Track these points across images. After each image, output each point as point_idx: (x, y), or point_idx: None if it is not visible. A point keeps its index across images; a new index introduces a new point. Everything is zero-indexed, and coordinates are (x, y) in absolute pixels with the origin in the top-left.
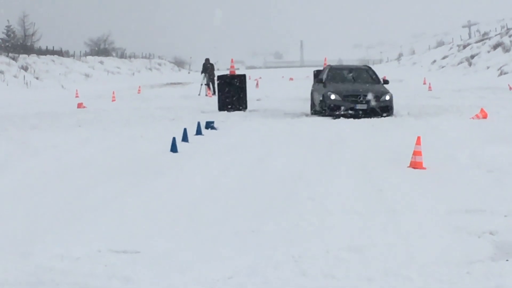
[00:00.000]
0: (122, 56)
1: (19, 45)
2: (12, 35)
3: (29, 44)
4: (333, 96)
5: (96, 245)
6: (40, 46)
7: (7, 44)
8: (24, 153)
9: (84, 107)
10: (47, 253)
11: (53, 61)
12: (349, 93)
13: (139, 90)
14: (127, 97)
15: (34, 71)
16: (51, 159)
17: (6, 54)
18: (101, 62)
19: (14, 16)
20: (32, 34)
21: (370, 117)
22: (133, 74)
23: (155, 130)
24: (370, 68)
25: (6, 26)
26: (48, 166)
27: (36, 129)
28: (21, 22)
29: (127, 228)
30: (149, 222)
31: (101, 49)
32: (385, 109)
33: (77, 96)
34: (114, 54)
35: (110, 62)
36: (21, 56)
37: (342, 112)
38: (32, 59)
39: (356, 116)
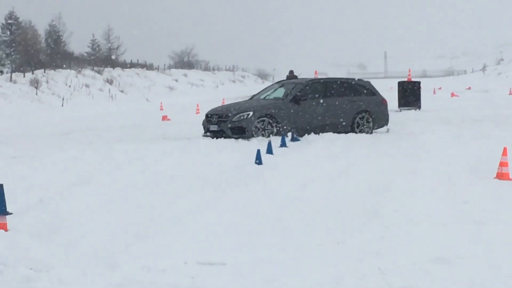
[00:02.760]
0: (206, 68)
1: (104, 58)
2: (97, 48)
3: (114, 57)
4: (204, 117)
5: (182, 257)
6: (124, 60)
7: (92, 57)
8: (109, 166)
9: (168, 119)
10: (133, 265)
11: (137, 74)
12: (211, 113)
13: (223, 102)
14: None
15: (119, 84)
16: (136, 171)
17: (92, 67)
18: (185, 75)
19: (99, 30)
20: (117, 48)
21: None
22: (217, 86)
23: (240, 142)
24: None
25: (91, 40)
26: (133, 179)
27: (121, 142)
28: (106, 36)
29: (212, 240)
30: (234, 234)
31: (185, 62)
32: (238, 130)
33: (161, 109)
34: (197, 67)
35: (194, 74)
36: (106, 69)
37: (203, 135)
38: (117, 72)
39: (218, 137)
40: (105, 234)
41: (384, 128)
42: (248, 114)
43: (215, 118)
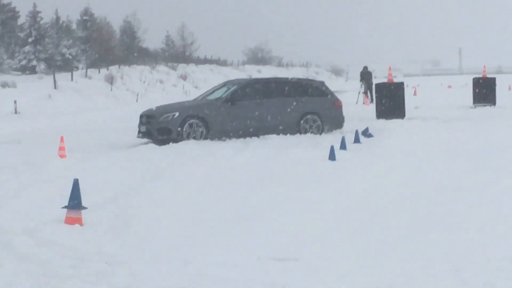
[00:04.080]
0: (280, 64)
1: (178, 54)
2: (171, 44)
3: (188, 53)
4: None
5: (255, 253)
6: (198, 56)
7: (166, 53)
8: (183, 161)
9: None
10: (206, 260)
11: (211, 70)
12: (143, 113)
13: None
14: None
15: (193, 80)
16: (209, 167)
17: (166, 63)
18: (259, 71)
19: (173, 27)
20: (191, 44)
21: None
22: None
23: (314, 138)
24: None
25: (165, 36)
26: (206, 174)
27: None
28: (180, 32)
29: (285, 236)
30: (307, 230)
31: (258, 58)
32: (164, 132)
33: None
34: (271, 63)
35: (268, 70)
36: (180, 65)
37: (137, 136)
38: (191, 68)
39: (150, 139)
40: (178, 229)
41: (464, 121)
42: (174, 115)
43: (145, 119)
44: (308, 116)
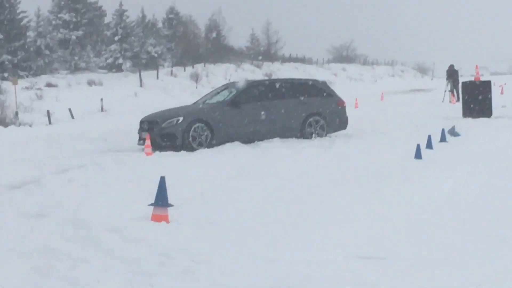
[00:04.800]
0: (365, 63)
1: (263, 52)
2: (256, 43)
3: (272, 51)
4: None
5: (342, 251)
6: (283, 54)
7: (251, 52)
8: (268, 159)
9: None
10: (293, 258)
11: (296, 68)
12: (144, 119)
13: (381, 96)
14: (370, 103)
15: (278, 78)
16: (295, 165)
17: (251, 62)
18: (344, 69)
19: (258, 25)
20: (276, 42)
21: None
22: (376, 80)
23: (399, 136)
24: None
25: (250, 34)
26: (292, 172)
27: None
28: (265, 30)
29: (372, 234)
30: (394, 228)
31: (343, 56)
32: (169, 138)
33: None
34: (356, 61)
35: (353, 69)
36: (265, 63)
37: (138, 143)
38: (275, 66)
39: (155, 147)
40: (264, 227)
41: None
42: (178, 120)
43: (146, 125)
44: (313, 118)
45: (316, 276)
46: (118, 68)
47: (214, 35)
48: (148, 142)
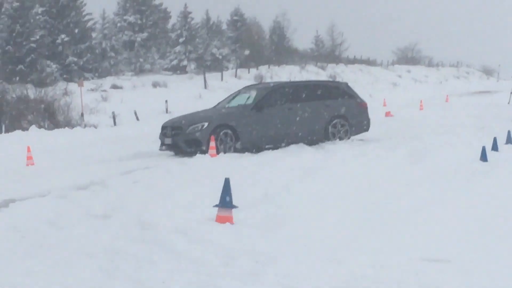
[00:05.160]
0: (430, 64)
1: (327, 54)
2: (320, 44)
3: (337, 53)
4: (160, 130)
5: (407, 254)
6: (348, 56)
7: (316, 53)
8: (333, 161)
9: (391, 115)
10: (358, 260)
11: (360, 70)
12: (166, 124)
13: (447, 98)
14: (435, 105)
15: (342, 80)
16: (360, 167)
17: (315, 63)
18: (409, 71)
19: (323, 26)
20: (340, 44)
21: (184, 154)
22: (441, 82)
23: (464, 138)
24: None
25: (315, 36)
26: (357, 174)
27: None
28: (329, 32)
29: (437, 237)
30: (459, 231)
31: (408, 58)
32: (193, 143)
33: (384, 105)
34: (421, 63)
35: (418, 70)
36: (330, 65)
37: (160, 149)
38: (340, 68)
39: (176, 152)
40: (329, 229)
41: None
42: (203, 125)
43: (170, 131)
44: (337, 120)
45: (381, 278)
46: (182, 70)
47: (278, 37)
48: (212, 143)
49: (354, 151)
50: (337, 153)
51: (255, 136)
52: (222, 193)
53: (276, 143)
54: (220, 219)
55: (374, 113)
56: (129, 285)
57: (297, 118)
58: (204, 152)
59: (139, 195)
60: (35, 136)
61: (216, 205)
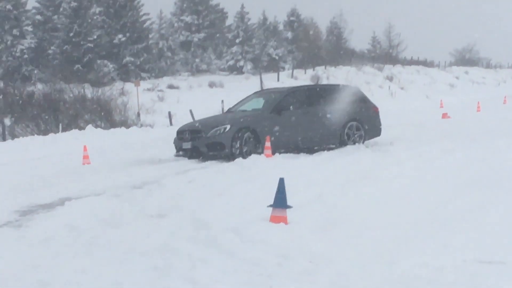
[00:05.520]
0: (488, 66)
1: (384, 55)
2: (378, 45)
3: (394, 54)
4: (176, 135)
5: (461, 255)
6: (405, 57)
7: (373, 54)
8: (388, 162)
9: (448, 117)
10: (412, 261)
11: (417, 71)
12: (183, 129)
13: (504, 100)
14: (493, 107)
15: (399, 81)
16: (415, 168)
17: (372, 64)
18: (466, 72)
19: (380, 27)
20: (397, 45)
21: (206, 159)
22: (498, 84)
23: None
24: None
25: (372, 37)
26: (412, 175)
27: (401, 139)
28: (387, 33)
29: (491, 238)
30: None
31: (466, 59)
32: (216, 147)
33: (441, 106)
34: (479, 64)
35: (475, 72)
36: (386, 66)
37: (176, 154)
38: (397, 69)
39: (192, 157)
40: (383, 230)
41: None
42: (225, 128)
43: (188, 135)
44: (352, 123)
45: (435, 279)
46: (239, 70)
47: (335, 37)
48: (268, 144)
49: (410, 152)
50: (393, 154)
51: (276, 140)
52: (276, 193)
53: (295, 146)
54: (274, 219)
55: (431, 114)
56: (183, 284)
57: (314, 122)
58: (227, 155)
59: (194, 194)
60: (91, 135)
61: (271, 205)
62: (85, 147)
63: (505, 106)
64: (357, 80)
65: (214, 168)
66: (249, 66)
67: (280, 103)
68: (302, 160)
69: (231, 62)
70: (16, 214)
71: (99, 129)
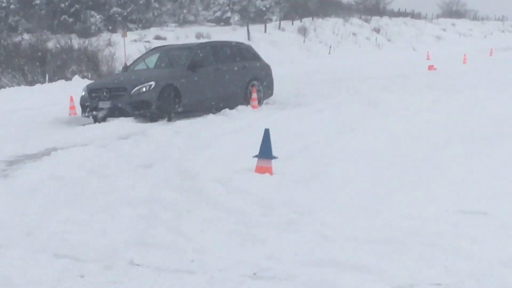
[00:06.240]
0: (475, 18)
1: (371, 7)
2: None
3: (381, 6)
4: (83, 93)
5: (444, 206)
6: (392, 8)
7: (360, 6)
8: (374, 114)
9: (435, 69)
10: (395, 212)
11: (405, 23)
12: (98, 86)
13: (491, 52)
14: (479, 59)
15: (386, 33)
16: (401, 120)
17: (359, 16)
18: (453, 24)
19: None
20: None
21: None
22: (485, 36)
23: (508, 94)
24: (190, 48)
25: None
26: (398, 127)
27: (387, 91)
28: None
29: (475, 190)
30: (497, 184)
31: (453, 11)
32: (140, 105)
33: (428, 59)
34: (466, 16)
35: (462, 24)
36: (374, 18)
37: (86, 114)
38: (384, 21)
39: (103, 118)
40: (367, 181)
41: None
42: (150, 86)
43: (106, 93)
44: (253, 83)
45: (417, 229)
46: (226, 22)
47: None
48: (254, 95)
49: (396, 105)
50: (379, 106)
51: (192, 98)
52: (261, 144)
53: (208, 105)
54: (260, 170)
55: (417, 66)
56: (168, 233)
57: (224, 80)
58: (153, 114)
59: (180, 144)
60: (78, 86)
61: (256, 156)
62: (71, 97)
63: (491, 58)
64: (343, 32)
65: (200, 119)
66: (236, 17)
67: (194, 59)
68: (289, 112)
69: (218, 13)
70: (3, 164)
71: (86, 79)
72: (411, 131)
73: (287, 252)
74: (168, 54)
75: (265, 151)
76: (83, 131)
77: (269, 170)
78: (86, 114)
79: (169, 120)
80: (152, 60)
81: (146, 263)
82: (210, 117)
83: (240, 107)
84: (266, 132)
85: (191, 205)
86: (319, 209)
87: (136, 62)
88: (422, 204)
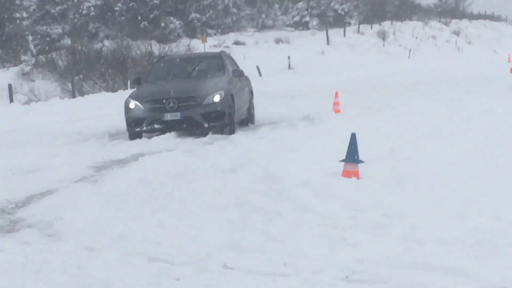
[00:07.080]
0: None
1: (451, 10)
2: (444, 0)
3: (461, 9)
4: (132, 105)
5: None
6: (472, 11)
7: (439, 9)
8: (458, 117)
9: None
10: (483, 215)
11: (484, 25)
12: (154, 97)
13: None
14: None
15: (466, 35)
16: (486, 123)
17: (438, 19)
18: None
19: None
20: None
21: (192, 130)
22: None
23: None
24: (220, 56)
25: None
26: (483, 130)
27: (469, 93)
28: None
29: None
30: None
31: None
32: (214, 117)
33: (509, 61)
34: None
35: None
36: (453, 21)
37: (144, 128)
38: (463, 23)
39: (168, 130)
40: (454, 184)
41: None
42: (220, 95)
43: (173, 103)
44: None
45: (506, 232)
46: (305, 26)
47: None
48: (337, 99)
49: (480, 108)
50: (462, 109)
51: (239, 106)
52: (348, 148)
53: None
54: (347, 174)
55: (499, 69)
56: (258, 237)
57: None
58: (227, 125)
59: (266, 150)
60: None
61: (343, 160)
62: None
63: None
64: (423, 35)
65: (284, 124)
66: (315, 21)
67: (235, 67)
68: (373, 116)
69: (296, 18)
70: (91, 170)
71: None
72: (496, 134)
73: (378, 255)
74: (184, 63)
75: (352, 155)
76: (168, 137)
77: (355, 174)
78: (144, 128)
79: (232, 132)
80: (166, 71)
81: (239, 266)
82: (295, 122)
83: (324, 112)
84: (353, 136)
85: (279, 209)
86: (408, 212)
87: (151, 73)
88: (510, 207)
